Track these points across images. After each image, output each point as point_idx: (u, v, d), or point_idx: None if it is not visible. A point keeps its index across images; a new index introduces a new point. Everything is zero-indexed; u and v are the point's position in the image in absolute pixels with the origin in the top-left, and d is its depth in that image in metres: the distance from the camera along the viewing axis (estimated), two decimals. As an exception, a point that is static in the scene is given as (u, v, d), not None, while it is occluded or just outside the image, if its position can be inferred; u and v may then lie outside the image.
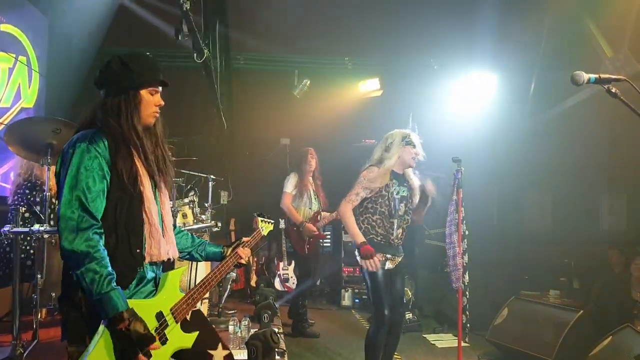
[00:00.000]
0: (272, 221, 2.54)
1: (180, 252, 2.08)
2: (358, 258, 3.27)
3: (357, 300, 6.06)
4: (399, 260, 3.35)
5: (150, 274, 1.85)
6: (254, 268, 6.13)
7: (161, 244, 1.85)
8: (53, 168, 3.91)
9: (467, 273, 4.42)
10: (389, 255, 3.25)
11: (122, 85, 1.83)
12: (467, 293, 4.51)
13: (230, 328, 3.97)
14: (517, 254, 5.47)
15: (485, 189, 5.46)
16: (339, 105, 6.75)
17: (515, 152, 5.38)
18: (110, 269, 1.65)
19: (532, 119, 5.29)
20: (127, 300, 1.67)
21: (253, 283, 6.04)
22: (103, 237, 1.68)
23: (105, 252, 1.66)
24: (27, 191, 4.01)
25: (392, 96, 6.63)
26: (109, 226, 1.72)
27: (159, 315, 1.79)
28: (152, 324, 1.74)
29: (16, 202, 3.90)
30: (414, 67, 6.60)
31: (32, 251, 3.83)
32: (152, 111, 1.89)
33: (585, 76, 2.04)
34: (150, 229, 1.81)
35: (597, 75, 2.06)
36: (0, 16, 4.76)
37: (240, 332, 3.94)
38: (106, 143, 1.74)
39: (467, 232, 4.54)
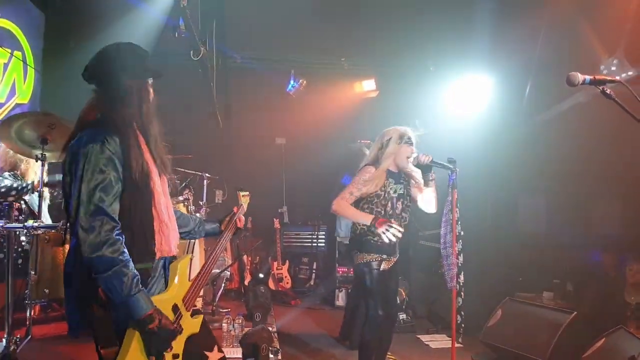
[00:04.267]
0: (247, 192, 2.64)
1: (181, 232, 2.10)
2: (356, 255, 3.21)
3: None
4: (394, 260, 3.31)
5: (161, 269, 1.86)
6: (248, 267, 6.13)
7: (170, 238, 1.86)
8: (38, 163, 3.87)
9: (462, 273, 4.44)
10: (384, 256, 3.19)
11: (118, 79, 1.79)
12: (461, 294, 4.53)
13: (224, 326, 3.97)
14: (511, 256, 5.47)
15: (480, 190, 5.47)
16: (335, 105, 6.76)
17: (510, 154, 5.39)
18: (134, 270, 1.65)
19: (527, 121, 5.31)
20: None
21: (247, 282, 6.03)
22: (123, 237, 1.67)
23: (128, 253, 1.65)
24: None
25: (388, 97, 6.63)
26: (124, 224, 1.70)
27: (175, 308, 1.83)
28: (170, 318, 1.77)
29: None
30: (410, 68, 6.61)
31: (21, 248, 3.79)
32: (149, 100, 1.88)
33: (581, 77, 2.05)
34: (160, 225, 1.81)
35: (592, 77, 2.07)
36: (-3, 11, 4.74)
37: (234, 330, 3.95)
38: (117, 141, 1.71)
39: (462, 233, 4.55)
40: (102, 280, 1.60)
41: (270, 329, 3.97)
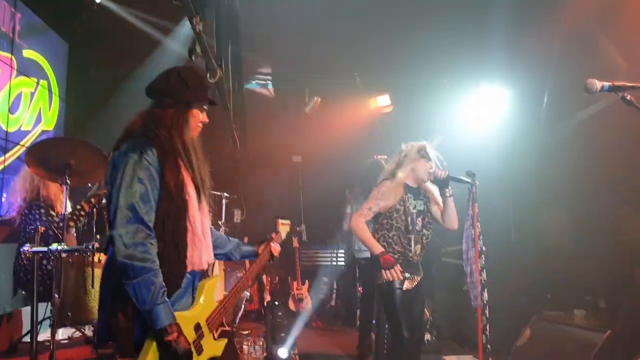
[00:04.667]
0: (288, 221, 2.68)
1: (217, 254, 2.16)
2: (379, 273, 3.16)
3: (373, 321, 5.94)
4: (418, 279, 3.23)
5: (190, 283, 1.88)
6: (268, 288, 6.08)
7: (202, 252, 1.89)
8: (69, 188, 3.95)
9: (485, 290, 4.31)
10: (407, 275, 3.11)
11: (178, 99, 1.90)
12: (486, 312, 4.39)
13: (245, 348, 3.93)
14: (537, 271, 5.31)
15: (501, 204, 5.36)
16: (350, 121, 6.78)
17: (530, 167, 5.28)
18: (162, 281, 1.69)
19: (546, 132, 5.22)
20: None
21: (266, 302, 5.98)
22: (155, 246, 1.72)
23: (158, 262, 1.70)
24: (35, 211, 4.02)
25: (403, 112, 6.63)
26: (158, 234, 1.76)
27: (197, 327, 1.83)
28: (191, 337, 1.77)
29: (25, 222, 3.92)
30: (425, 83, 6.60)
31: (45, 271, 3.85)
32: (198, 126, 1.98)
33: (599, 84, 2.03)
34: (193, 237, 1.85)
35: (611, 83, 2.04)
36: (24, 42, 4.94)
37: (255, 352, 3.90)
38: (155, 153, 1.79)
39: (484, 248, 4.43)
40: (130, 287, 1.65)
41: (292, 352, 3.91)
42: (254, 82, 6.48)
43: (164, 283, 1.69)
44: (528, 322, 4.37)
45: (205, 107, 1.99)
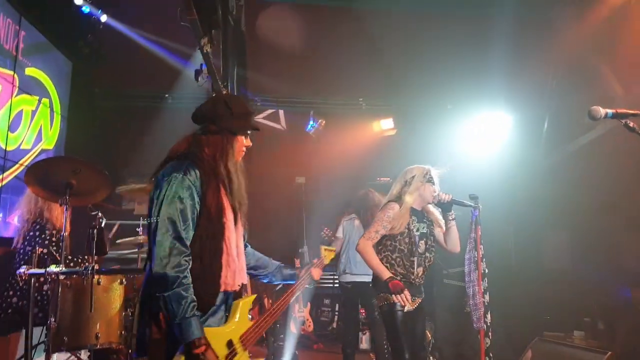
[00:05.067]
0: (334, 249, 2.72)
1: (258, 274, 2.25)
2: (378, 296, 3.16)
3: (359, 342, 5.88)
4: (419, 301, 3.24)
5: (223, 301, 1.92)
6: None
7: (236, 273, 1.95)
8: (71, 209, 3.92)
9: (488, 313, 4.29)
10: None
11: (223, 126, 1.98)
12: (489, 334, 4.37)
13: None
14: (537, 294, 5.31)
15: (502, 228, 5.38)
16: (353, 144, 6.82)
17: (531, 191, 5.33)
18: (193, 295, 1.75)
19: (547, 157, 5.28)
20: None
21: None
22: (190, 263, 1.78)
23: (191, 279, 1.76)
24: (37, 233, 3.96)
25: (406, 135, 6.70)
26: (194, 252, 1.82)
27: (229, 344, 1.88)
28: (222, 352, 1.82)
29: (25, 244, 3.86)
30: (428, 107, 6.70)
31: (42, 295, 3.76)
32: (242, 150, 2.07)
33: (603, 111, 2.07)
34: (228, 258, 1.91)
35: (614, 110, 2.08)
36: (27, 60, 4.96)
37: (256, 375, 3.83)
38: (198, 175, 1.86)
39: (486, 271, 4.43)
40: (162, 299, 1.72)
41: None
42: (258, 104, 6.52)
43: (195, 298, 1.75)
44: (529, 344, 4.35)
45: (242, 135, 2.06)
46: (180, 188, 1.81)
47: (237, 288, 1.97)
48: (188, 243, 1.79)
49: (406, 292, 3.00)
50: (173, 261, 1.73)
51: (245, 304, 1.99)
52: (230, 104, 2.02)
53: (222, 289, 1.89)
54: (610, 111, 2.08)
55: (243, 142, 2.05)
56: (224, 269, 1.89)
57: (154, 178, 1.90)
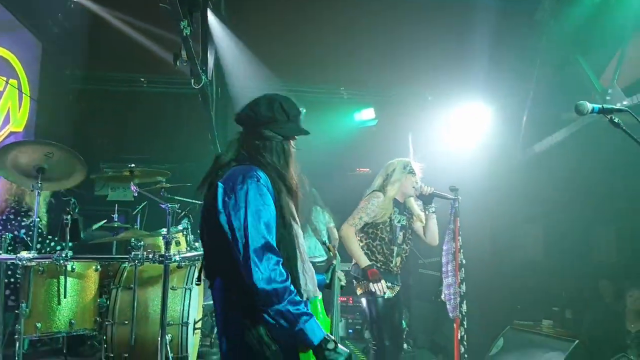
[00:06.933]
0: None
1: None
2: (358, 284, 3.21)
3: (350, 331, 5.94)
4: (398, 289, 3.33)
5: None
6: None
7: (313, 280, 1.86)
8: (44, 193, 3.81)
9: (464, 302, 4.39)
10: (389, 284, 3.21)
11: (280, 131, 1.90)
12: (464, 323, 4.47)
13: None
14: (511, 284, 5.46)
15: (478, 219, 5.47)
16: (334, 134, 6.77)
17: (508, 184, 5.42)
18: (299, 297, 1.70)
19: (525, 149, 5.37)
20: None
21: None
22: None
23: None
24: (12, 217, 3.88)
25: (387, 126, 6.70)
26: None
27: None
28: None
29: (2, 228, 3.77)
30: (409, 98, 6.70)
31: (13, 280, 3.67)
32: (293, 157, 1.98)
33: (589, 106, 2.10)
34: (304, 265, 1.83)
35: (600, 106, 2.12)
36: (-7, 39, 4.73)
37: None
38: (269, 180, 1.78)
39: (464, 261, 4.52)
40: (277, 312, 1.62)
41: None
42: (238, 89, 6.41)
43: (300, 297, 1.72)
44: (501, 332, 4.47)
45: (292, 138, 2.00)
46: (259, 195, 1.72)
47: (319, 295, 1.93)
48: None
49: (382, 281, 3.06)
50: (276, 273, 1.64)
51: (315, 302, 1.97)
52: (286, 107, 1.93)
53: (304, 298, 1.78)
54: (596, 106, 2.12)
55: (290, 146, 1.97)
56: (302, 276, 1.80)
57: (219, 186, 1.77)
